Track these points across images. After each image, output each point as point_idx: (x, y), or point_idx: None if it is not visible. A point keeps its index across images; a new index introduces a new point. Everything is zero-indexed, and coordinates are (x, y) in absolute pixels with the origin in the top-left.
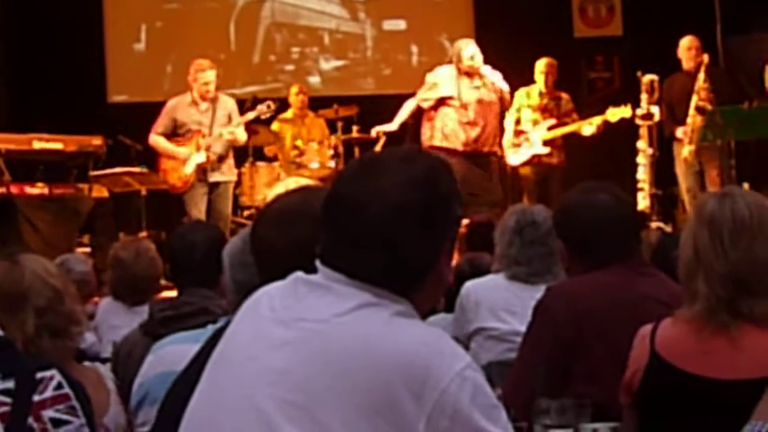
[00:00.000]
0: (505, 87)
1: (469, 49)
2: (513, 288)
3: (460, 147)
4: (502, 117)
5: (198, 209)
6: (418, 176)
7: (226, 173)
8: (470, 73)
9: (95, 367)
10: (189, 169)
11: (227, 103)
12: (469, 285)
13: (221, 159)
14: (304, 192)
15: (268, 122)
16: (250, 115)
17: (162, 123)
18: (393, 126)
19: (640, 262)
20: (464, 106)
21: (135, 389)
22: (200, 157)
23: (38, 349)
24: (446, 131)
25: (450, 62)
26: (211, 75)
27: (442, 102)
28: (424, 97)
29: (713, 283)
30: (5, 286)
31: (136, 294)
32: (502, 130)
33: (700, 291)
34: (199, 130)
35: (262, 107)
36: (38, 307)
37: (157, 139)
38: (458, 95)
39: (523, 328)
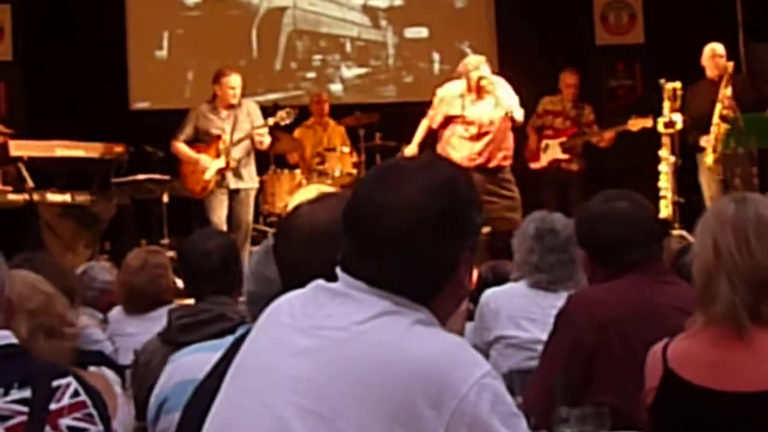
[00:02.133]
0: (511, 106)
1: (477, 70)
2: (533, 295)
3: (464, 162)
4: (514, 132)
5: (217, 216)
6: (438, 184)
7: (247, 180)
8: (479, 91)
9: (101, 372)
10: (209, 174)
11: (250, 107)
12: (488, 293)
13: (241, 164)
14: (331, 208)
15: (289, 130)
16: (270, 121)
17: (184, 130)
18: (413, 148)
19: (662, 270)
20: (469, 122)
21: (153, 399)
22: (220, 163)
23: (34, 351)
24: (449, 149)
25: (460, 77)
26: (236, 80)
27: (449, 119)
28: (432, 115)
29: (737, 285)
30: None
31: (137, 304)
32: (515, 144)
33: (721, 293)
34: (220, 136)
35: (282, 113)
36: (31, 310)
37: (178, 146)
38: (463, 112)
39: (543, 336)
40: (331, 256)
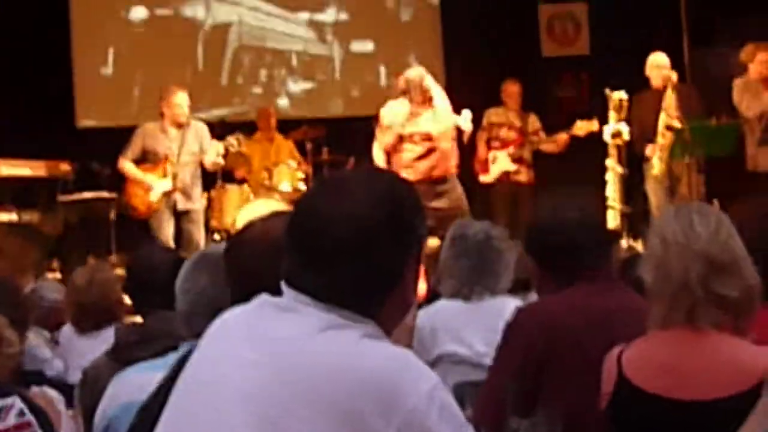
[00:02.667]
0: (460, 120)
1: (423, 80)
2: (463, 309)
3: (414, 178)
4: (459, 140)
5: (164, 234)
6: (381, 195)
7: (195, 200)
8: (423, 102)
9: (43, 392)
10: (154, 196)
11: (198, 128)
12: (420, 314)
13: (189, 187)
14: (283, 222)
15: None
16: (220, 148)
17: (131, 149)
18: None
19: (612, 279)
20: (417, 140)
21: (97, 420)
22: (166, 185)
23: None
24: (401, 167)
25: (402, 95)
26: (183, 98)
27: (401, 139)
28: (384, 141)
29: (688, 261)
30: None
31: (89, 321)
32: (463, 152)
33: (673, 271)
34: (167, 157)
35: (231, 139)
36: None
37: (125, 165)
38: (413, 129)
39: (483, 348)
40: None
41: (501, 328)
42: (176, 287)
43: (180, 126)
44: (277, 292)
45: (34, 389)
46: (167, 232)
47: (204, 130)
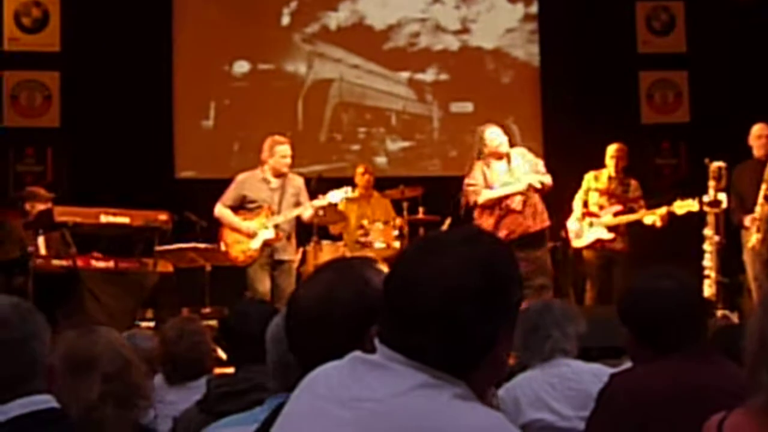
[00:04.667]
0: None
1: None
2: (542, 375)
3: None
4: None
5: (263, 285)
6: (478, 258)
7: (290, 252)
8: (500, 156)
9: None
10: (256, 244)
11: (296, 181)
12: (501, 392)
13: (288, 237)
14: (320, 290)
15: None
16: (326, 199)
17: (230, 196)
18: None
19: (706, 350)
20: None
21: None
22: (269, 234)
23: (100, 416)
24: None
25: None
26: (287, 149)
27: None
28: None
29: None
30: (77, 350)
31: (179, 373)
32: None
33: (764, 383)
34: (269, 206)
35: (339, 192)
36: (106, 374)
37: (223, 211)
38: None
39: (570, 412)
40: (326, 341)
41: (578, 389)
42: (267, 338)
43: (280, 176)
44: (329, 360)
45: None
46: (266, 283)
47: (301, 182)
